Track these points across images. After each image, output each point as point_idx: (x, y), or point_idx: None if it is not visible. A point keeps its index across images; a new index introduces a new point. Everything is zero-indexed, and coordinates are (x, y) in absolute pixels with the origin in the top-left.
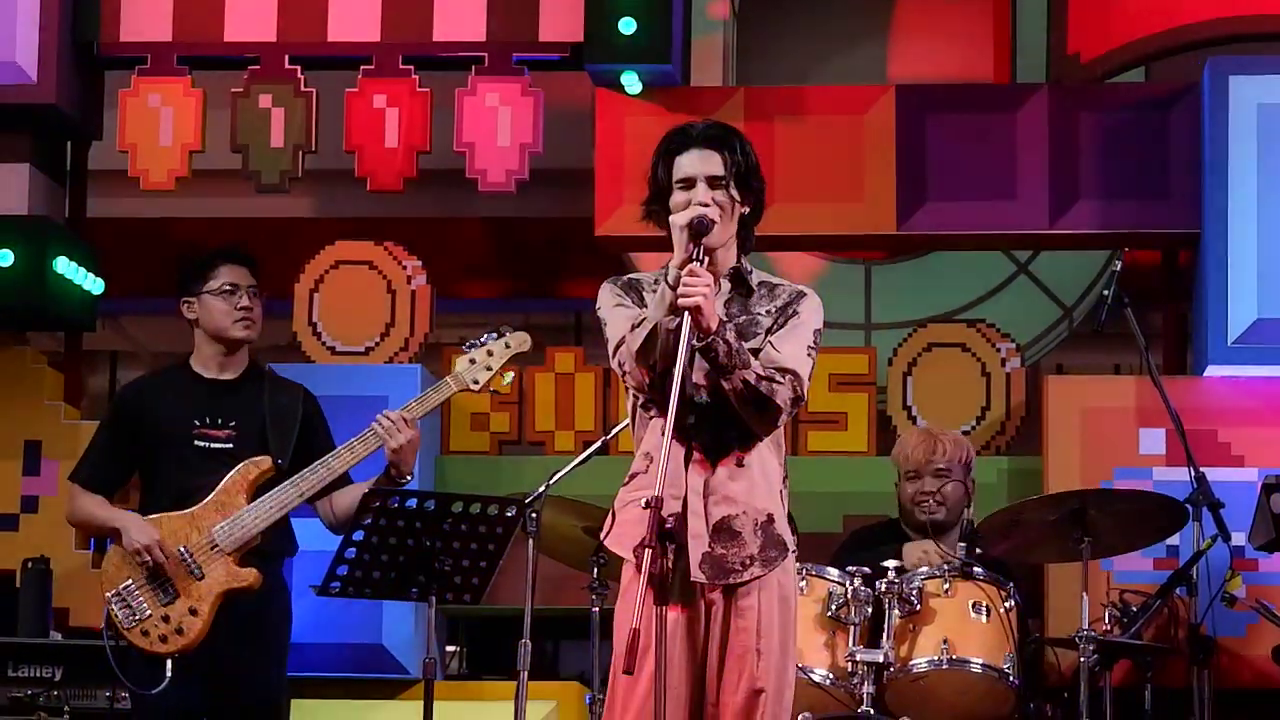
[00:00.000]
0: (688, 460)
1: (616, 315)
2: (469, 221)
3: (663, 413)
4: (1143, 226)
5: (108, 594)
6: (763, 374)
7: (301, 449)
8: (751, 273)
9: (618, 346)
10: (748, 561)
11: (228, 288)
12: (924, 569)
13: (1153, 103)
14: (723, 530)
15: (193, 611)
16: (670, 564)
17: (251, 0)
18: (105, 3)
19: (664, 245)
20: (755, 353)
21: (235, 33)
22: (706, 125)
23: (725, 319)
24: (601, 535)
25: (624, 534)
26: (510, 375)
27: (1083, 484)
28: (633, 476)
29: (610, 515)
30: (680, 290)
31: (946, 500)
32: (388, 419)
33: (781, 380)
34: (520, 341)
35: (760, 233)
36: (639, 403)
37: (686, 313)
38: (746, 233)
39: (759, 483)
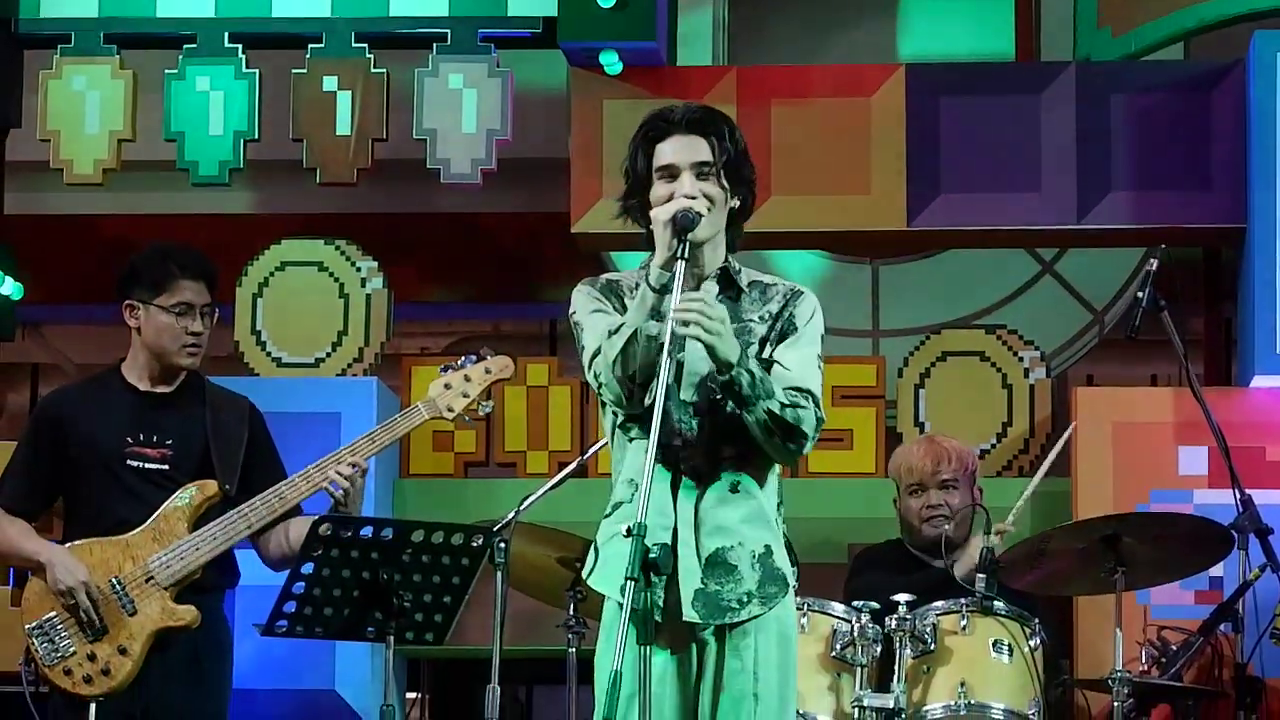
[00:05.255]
0: (675, 486)
1: (593, 322)
2: (430, 218)
3: (646, 433)
4: (1182, 221)
5: (28, 626)
6: (786, 401)
7: (247, 472)
8: (740, 272)
9: (594, 357)
10: (745, 599)
11: (181, 307)
12: (939, 604)
13: (1193, 82)
14: (717, 564)
15: (122, 651)
16: (658, 600)
17: None
18: None
19: (647, 244)
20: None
21: (169, 8)
22: (689, 108)
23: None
24: (584, 573)
25: (611, 571)
26: (489, 404)
27: (1116, 508)
28: (616, 506)
29: (593, 550)
30: (692, 319)
31: (955, 514)
32: (337, 472)
33: (805, 403)
34: (501, 366)
35: (755, 229)
36: (618, 422)
37: (670, 319)
38: (735, 229)
39: (755, 511)
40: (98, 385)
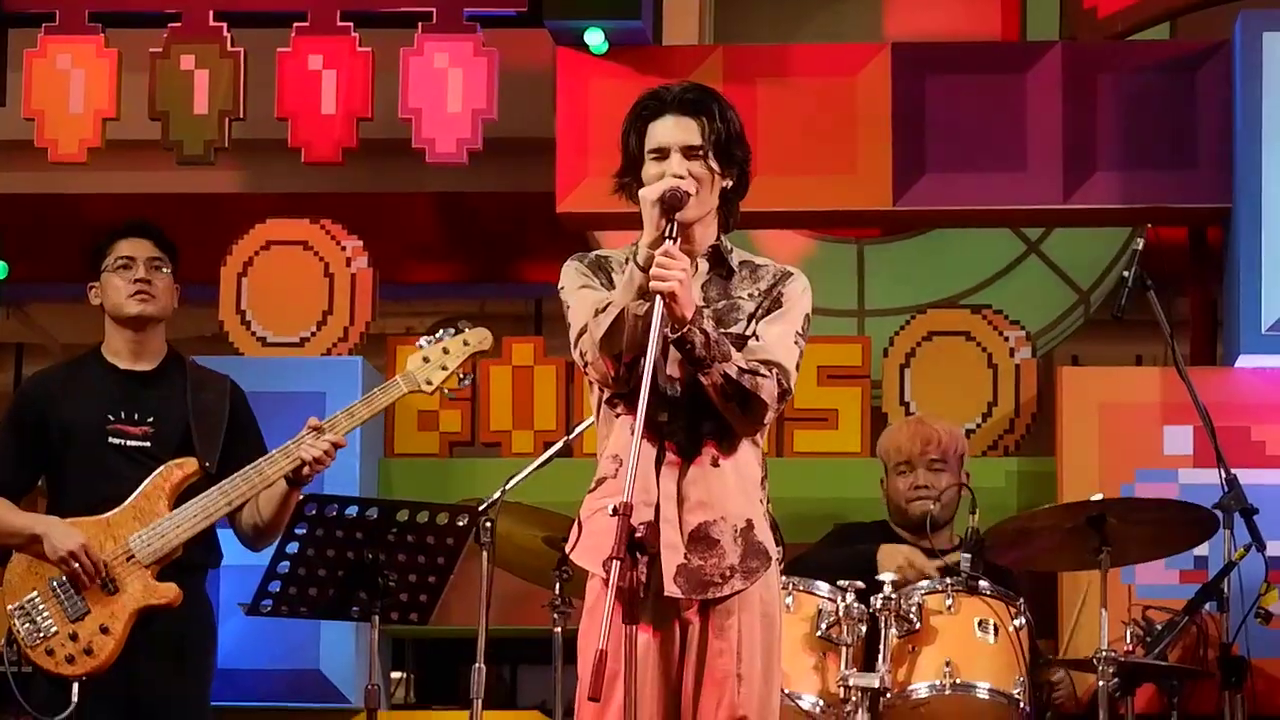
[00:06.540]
0: (659, 462)
1: (581, 299)
2: (415, 197)
3: (631, 409)
4: (1167, 200)
5: (10, 607)
6: (745, 367)
7: (228, 450)
8: (732, 251)
9: (580, 334)
10: (728, 573)
11: (123, 261)
12: (924, 583)
13: (1178, 63)
14: (700, 539)
15: (104, 630)
16: (642, 578)
17: None
18: None
19: (635, 223)
20: (739, 339)
21: None
22: (683, 88)
23: (703, 304)
24: (567, 548)
25: (594, 545)
26: (468, 377)
27: (1101, 487)
28: (600, 481)
29: (576, 525)
30: (653, 273)
31: (941, 495)
32: (317, 448)
33: (766, 373)
34: (480, 339)
35: (740, 208)
36: (604, 398)
37: (658, 297)
38: (729, 209)
39: (736, 485)
40: (78, 366)
